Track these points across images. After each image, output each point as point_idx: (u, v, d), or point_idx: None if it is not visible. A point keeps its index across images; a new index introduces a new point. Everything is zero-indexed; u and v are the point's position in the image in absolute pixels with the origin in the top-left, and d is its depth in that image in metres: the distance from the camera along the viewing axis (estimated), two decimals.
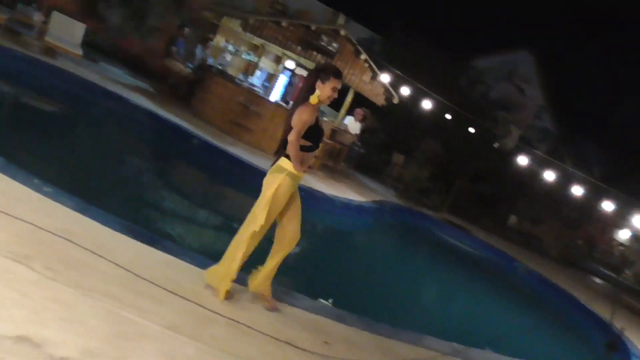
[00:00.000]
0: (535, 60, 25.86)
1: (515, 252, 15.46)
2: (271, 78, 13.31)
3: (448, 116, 16.22)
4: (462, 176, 17.14)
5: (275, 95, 12.65)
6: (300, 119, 3.58)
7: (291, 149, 3.56)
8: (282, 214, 3.77)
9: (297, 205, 3.84)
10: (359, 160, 14.56)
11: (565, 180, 15.25)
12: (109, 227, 3.98)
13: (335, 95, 3.70)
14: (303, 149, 3.63)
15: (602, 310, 10.95)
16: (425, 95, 14.61)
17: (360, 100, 13.47)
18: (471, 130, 17.09)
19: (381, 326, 4.65)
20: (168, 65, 12.30)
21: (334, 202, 10.09)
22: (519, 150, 19.32)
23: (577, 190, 14.65)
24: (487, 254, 14.28)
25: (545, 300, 12.12)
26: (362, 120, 13.78)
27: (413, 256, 11.58)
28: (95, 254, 3.45)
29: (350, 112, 13.41)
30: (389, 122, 16.54)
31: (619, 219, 19.07)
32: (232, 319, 3.44)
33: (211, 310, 3.44)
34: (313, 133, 3.67)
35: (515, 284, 13.38)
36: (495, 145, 18.64)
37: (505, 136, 20.34)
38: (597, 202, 14.83)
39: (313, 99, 3.63)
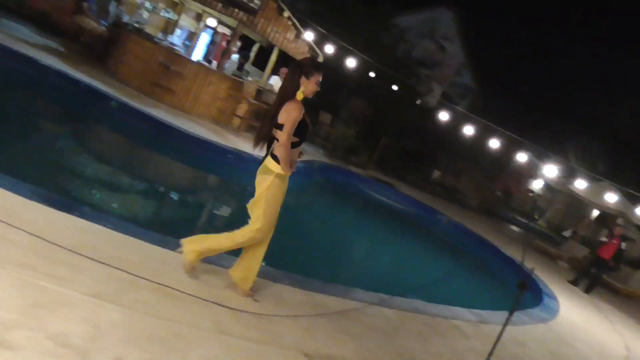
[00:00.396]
0: (456, 17, 26.42)
1: (439, 205, 16.15)
2: (192, 37, 12.81)
3: (373, 74, 16.35)
4: (388, 133, 17.49)
5: (197, 55, 12.23)
6: (290, 117, 3.54)
7: (282, 151, 3.56)
8: None
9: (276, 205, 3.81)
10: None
11: (484, 135, 15.92)
12: (20, 194, 3.76)
13: (318, 88, 3.70)
14: (291, 145, 3.62)
15: (516, 254, 11.74)
16: (350, 53, 14.63)
17: (285, 59, 13.28)
18: (395, 88, 17.35)
19: (310, 282, 4.74)
20: (79, 23, 11.53)
21: (258, 162, 10.02)
22: (441, 106, 19.89)
23: (495, 144, 15.38)
24: (412, 208, 14.82)
25: (466, 248, 12.82)
26: None
27: (342, 213, 11.82)
28: (6, 223, 3.26)
29: (275, 71, 13.21)
30: None
31: (533, 170, 20.24)
32: (157, 283, 3.39)
33: (135, 275, 3.36)
34: (300, 129, 3.64)
35: (438, 234, 14.04)
36: (418, 102, 19.08)
37: (427, 93, 20.84)
38: (513, 154, 15.65)
39: (299, 95, 3.61)
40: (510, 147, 16.07)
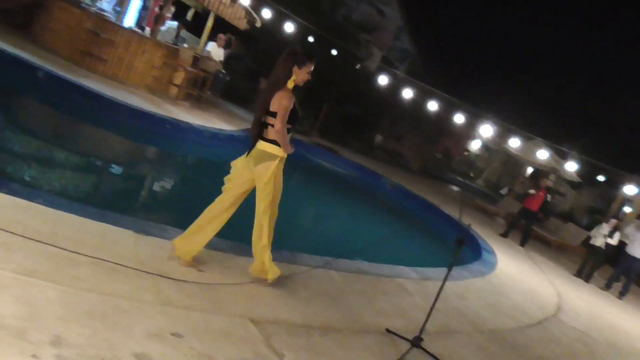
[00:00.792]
0: None
1: (381, 169, 16.43)
2: (123, 2, 12.19)
3: (312, 39, 16.18)
4: (329, 100, 17.48)
5: (129, 21, 11.66)
6: (282, 105, 3.64)
7: (280, 136, 3.68)
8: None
9: (279, 187, 3.94)
10: (225, 88, 14.15)
11: (423, 98, 16.20)
12: None
13: (310, 77, 3.78)
14: (290, 128, 3.76)
15: (455, 213, 12.16)
16: (289, 18, 14.39)
17: (222, 25, 12.92)
18: (335, 53, 17.28)
19: None
20: None
21: (202, 133, 9.83)
22: (381, 71, 20.00)
23: (433, 106, 15.69)
24: (356, 173, 15.00)
25: (408, 210, 13.16)
26: (226, 46, 13.29)
27: (286, 181, 11.81)
28: None
29: (212, 37, 12.84)
30: (254, 47, 16.13)
31: (470, 131, 20.84)
32: (95, 257, 3.29)
33: (71, 251, 3.24)
34: (291, 116, 3.74)
35: (381, 198, 14.31)
36: (358, 67, 19.11)
37: (368, 58, 20.88)
38: (450, 116, 16.05)
39: (290, 84, 3.71)
40: (448, 109, 16.45)
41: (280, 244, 5.71)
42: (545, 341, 5.81)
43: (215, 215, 3.87)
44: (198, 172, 9.37)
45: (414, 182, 16.20)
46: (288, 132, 3.77)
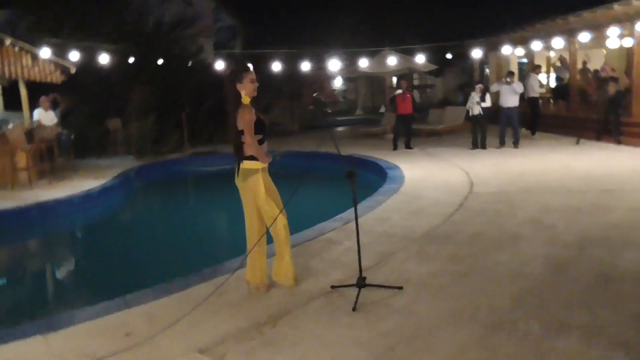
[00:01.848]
0: None
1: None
2: None
3: (132, 60, 15.48)
4: (187, 106, 16.94)
5: None
6: (245, 120, 3.92)
7: (252, 149, 3.97)
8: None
9: (273, 193, 4.20)
10: (75, 146, 13.22)
11: (268, 62, 16.19)
12: None
13: (256, 83, 4.02)
14: (263, 139, 4.05)
15: (347, 151, 12.38)
16: (102, 49, 13.59)
17: (38, 88, 11.96)
18: (161, 62, 16.72)
19: (175, 282, 4.53)
20: None
21: (73, 203, 9.17)
22: (220, 55, 19.67)
23: (278, 67, 15.71)
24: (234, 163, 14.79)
25: (306, 168, 13.17)
26: (54, 106, 12.37)
27: (178, 204, 11.43)
28: None
29: (33, 105, 11.83)
30: (82, 93, 15.16)
31: (324, 72, 21.27)
32: None
33: None
34: (258, 127, 4.00)
35: (277, 171, 14.22)
36: (190, 64, 18.66)
37: (200, 51, 20.35)
38: (298, 67, 16.24)
39: (244, 100, 3.97)
40: (293, 62, 16.60)
41: (194, 265, 5.52)
42: (472, 218, 6.13)
43: (256, 239, 4.18)
44: (91, 241, 8.76)
45: (300, 142, 16.25)
46: (261, 143, 4.05)
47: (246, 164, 4.05)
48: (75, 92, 14.66)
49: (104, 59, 13.23)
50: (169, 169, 14.00)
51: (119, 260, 6.99)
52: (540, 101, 14.74)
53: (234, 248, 6.77)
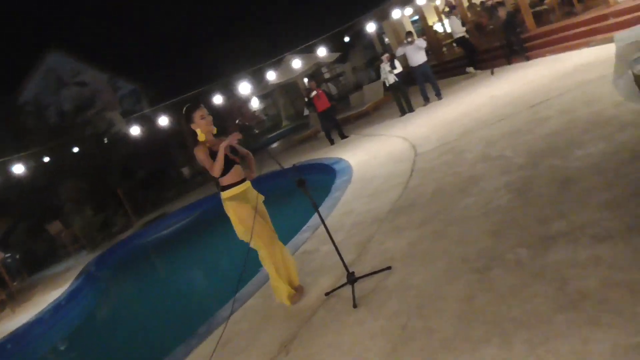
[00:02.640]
0: (66, 51, 24.88)
1: (210, 189, 16.10)
2: None
3: (47, 159, 14.99)
4: (119, 181, 16.55)
5: None
6: (199, 159, 3.98)
7: (216, 172, 3.97)
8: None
9: (262, 219, 4.18)
10: (24, 264, 12.67)
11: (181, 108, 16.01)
12: None
13: (210, 118, 4.06)
14: (229, 165, 4.06)
15: (290, 164, 12.41)
16: (16, 161, 13.08)
17: None
18: (80, 147, 16.29)
19: (178, 350, 4.41)
20: None
21: (44, 320, 8.78)
22: (137, 121, 19.34)
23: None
24: (194, 212, 14.56)
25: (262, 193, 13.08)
26: None
27: (148, 276, 11.13)
28: None
29: None
30: (10, 210, 14.57)
31: (239, 97, 21.23)
32: None
33: None
34: (226, 160, 3.99)
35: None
36: (106, 140, 18.28)
37: (111, 125, 19.94)
38: (212, 98, 16.17)
39: (200, 137, 4.03)
40: (207, 100, 16.48)
41: (192, 323, 5.38)
42: (427, 177, 6.23)
43: (274, 258, 4.17)
44: (76, 347, 8.39)
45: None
46: (232, 165, 4.07)
47: (221, 195, 4.13)
48: (2, 212, 14.08)
49: (18, 169, 12.72)
50: (126, 248, 13.62)
51: (117, 352, 6.76)
52: (467, 37, 14.63)
53: (218, 297, 6.67)
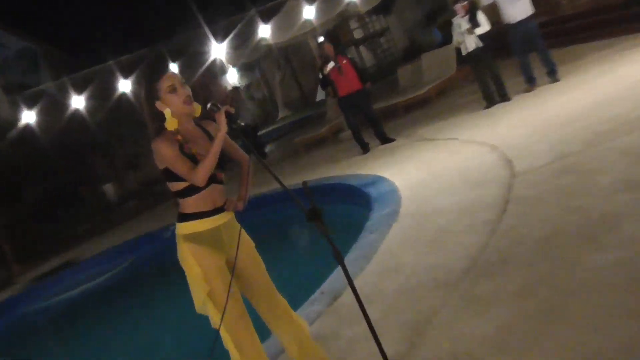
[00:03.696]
0: None
1: (168, 217, 16.26)
2: None
3: None
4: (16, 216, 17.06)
5: None
6: (164, 159, 3.79)
7: (200, 179, 3.77)
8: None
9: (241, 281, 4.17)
10: None
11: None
12: None
13: (185, 91, 3.86)
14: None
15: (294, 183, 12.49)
16: None
17: None
18: None
19: None
20: None
21: None
22: (29, 102, 19.87)
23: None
24: (113, 265, 14.78)
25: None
26: None
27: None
28: None
29: None
30: None
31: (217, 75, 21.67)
32: None
33: None
34: (193, 160, 3.85)
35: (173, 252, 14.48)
36: None
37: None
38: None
39: (169, 124, 3.83)
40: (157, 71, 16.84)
41: None
42: (531, 213, 6.21)
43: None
44: None
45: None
46: (209, 183, 3.90)
47: (177, 230, 4.05)
48: None
49: None
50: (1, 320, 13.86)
51: None
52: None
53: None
